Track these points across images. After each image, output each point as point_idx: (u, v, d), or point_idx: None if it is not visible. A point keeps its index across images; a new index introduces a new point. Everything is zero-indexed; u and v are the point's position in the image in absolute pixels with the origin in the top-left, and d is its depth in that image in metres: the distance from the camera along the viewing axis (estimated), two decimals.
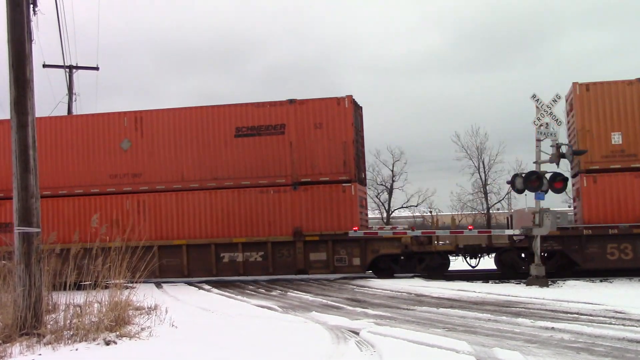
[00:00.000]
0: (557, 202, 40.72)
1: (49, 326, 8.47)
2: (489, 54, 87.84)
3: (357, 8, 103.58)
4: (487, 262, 19.83)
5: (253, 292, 16.13)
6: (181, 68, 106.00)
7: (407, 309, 11.71)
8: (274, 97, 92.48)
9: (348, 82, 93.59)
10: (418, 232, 18.93)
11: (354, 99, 19.21)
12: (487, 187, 40.36)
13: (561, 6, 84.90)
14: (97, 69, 31.58)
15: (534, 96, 16.11)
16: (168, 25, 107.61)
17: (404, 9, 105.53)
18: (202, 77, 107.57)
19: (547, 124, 15.85)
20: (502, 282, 16.82)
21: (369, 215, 27.30)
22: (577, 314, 10.45)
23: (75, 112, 30.98)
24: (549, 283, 15.38)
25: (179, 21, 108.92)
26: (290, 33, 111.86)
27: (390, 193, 42.89)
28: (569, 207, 35.83)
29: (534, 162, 16.16)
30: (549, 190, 15.78)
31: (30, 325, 8.30)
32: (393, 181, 42.95)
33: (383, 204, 42.64)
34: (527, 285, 15.46)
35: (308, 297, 14.42)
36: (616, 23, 73.47)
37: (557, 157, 15.63)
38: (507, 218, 22.40)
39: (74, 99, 31.52)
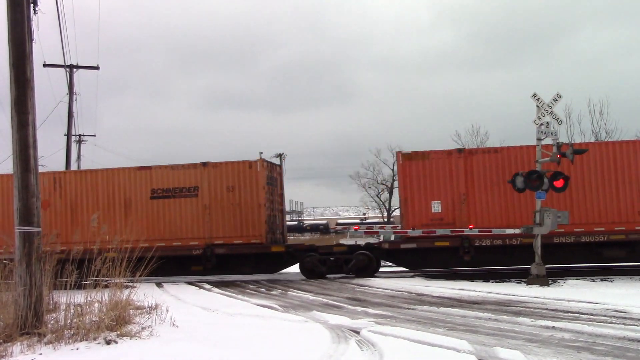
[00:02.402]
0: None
1: (49, 325, 8.47)
2: (503, 52, 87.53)
3: (369, 5, 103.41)
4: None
5: (254, 292, 16.13)
6: (191, 66, 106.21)
7: (407, 308, 11.71)
8: (284, 95, 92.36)
9: (359, 79, 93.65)
10: (419, 231, 18.88)
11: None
12: None
13: (576, 3, 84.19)
14: (97, 68, 31.63)
15: (534, 95, 16.10)
16: (179, 23, 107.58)
17: (417, 6, 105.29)
18: (212, 75, 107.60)
19: (547, 123, 15.85)
20: (502, 282, 16.81)
21: (371, 214, 27.68)
22: (577, 313, 10.45)
23: (75, 112, 31.04)
24: (550, 282, 15.39)
25: (190, 19, 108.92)
26: (303, 31, 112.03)
27: (390, 192, 42.88)
28: None
29: (534, 161, 16.16)
30: (550, 189, 15.79)
31: (31, 324, 8.30)
32: (393, 180, 42.96)
33: (384, 203, 42.63)
34: (527, 284, 15.46)
35: (309, 296, 14.42)
36: (630, 19, 72.88)
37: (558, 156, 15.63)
38: None
39: (74, 99, 31.62)
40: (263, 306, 12.54)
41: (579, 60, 76.61)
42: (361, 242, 20.81)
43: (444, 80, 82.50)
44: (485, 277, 17.72)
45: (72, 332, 8.10)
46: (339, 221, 74.81)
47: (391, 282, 16.87)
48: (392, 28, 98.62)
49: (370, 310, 11.40)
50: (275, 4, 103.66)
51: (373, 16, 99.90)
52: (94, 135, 45.69)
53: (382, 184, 44.23)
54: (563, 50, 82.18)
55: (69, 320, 8.44)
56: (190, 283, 19.11)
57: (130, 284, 9.89)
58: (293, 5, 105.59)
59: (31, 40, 9.21)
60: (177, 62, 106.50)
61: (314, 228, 65.34)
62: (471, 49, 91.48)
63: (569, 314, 10.38)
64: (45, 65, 30.63)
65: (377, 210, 43.88)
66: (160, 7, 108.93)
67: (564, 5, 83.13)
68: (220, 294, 15.75)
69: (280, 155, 50.34)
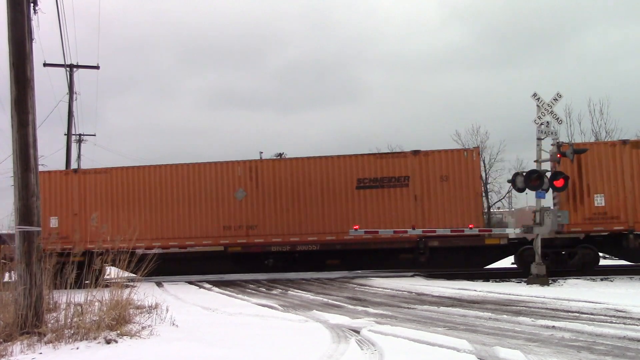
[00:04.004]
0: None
1: (49, 325, 8.47)
2: (511, 51, 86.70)
3: (378, 4, 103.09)
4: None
5: (254, 291, 16.13)
6: (198, 64, 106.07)
7: (407, 307, 11.71)
8: (290, 93, 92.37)
9: (366, 78, 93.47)
10: (419, 231, 18.86)
11: None
12: (488, 186, 40.46)
13: (584, 2, 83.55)
14: (97, 67, 31.62)
15: (534, 95, 16.11)
16: (187, 21, 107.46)
17: (427, 5, 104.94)
18: (219, 73, 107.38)
19: (547, 122, 15.86)
20: (502, 281, 16.82)
21: None
22: (577, 312, 10.45)
23: (76, 111, 31.08)
24: (550, 282, 15.39)
25: (197, 18, 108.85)
26: (310, 29, 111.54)
27: None
28: None
29: (534, 161, 16.16)
30: (550, 189, 15.79)
31: (31, 324, 8.30)
32: None
33: None
34: (527, 284, 15.47)
35: (309, 295, 14.43)
36: (635, 20, 72.43)
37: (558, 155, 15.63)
38: None
39: (74, 98, 31.63)
40: (263, 305, 12.55)
41: (584, 59, 76.06)
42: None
43: (451, 80, 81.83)
44: (486, 277, 17.73)
45: (72, 332, 8.10)
46: None
47: (391, 281, 16.87)
48: (400, 27, 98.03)
49: (370, 310, 11.40)
50: (283, 2, 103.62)
51: (381, 15, 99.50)
52: (94, 135, 45.47)
53: None
54: (570, 50, 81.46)
55: (69, 320, 8.45)
56: (191, 282, 19.12)
57: (131, 284, 9.90)
58: (300, 3, 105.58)
59: (31, 39, 9.21)
60: (184, 60, 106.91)
61: None
62: (480, 48, 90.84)
63: (569, 313, 10.38)
64: (45, 64, 30.63)
65: None
66: (168, 5, 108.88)
67: (573, 4, 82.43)
68: (220, 293, 15.76)
69: (280, 155, 50.36)
